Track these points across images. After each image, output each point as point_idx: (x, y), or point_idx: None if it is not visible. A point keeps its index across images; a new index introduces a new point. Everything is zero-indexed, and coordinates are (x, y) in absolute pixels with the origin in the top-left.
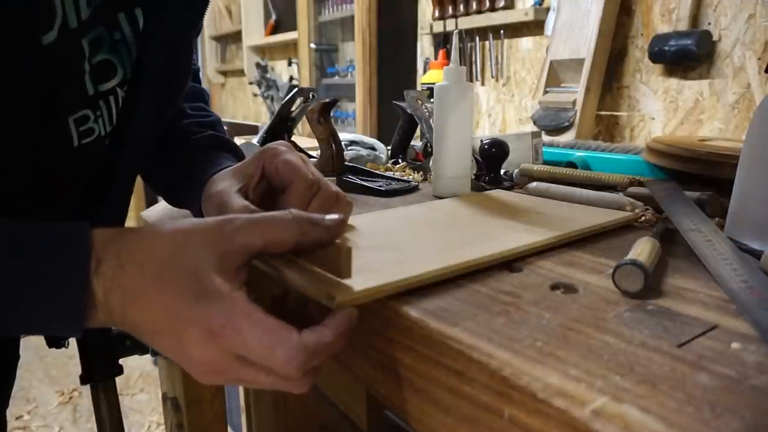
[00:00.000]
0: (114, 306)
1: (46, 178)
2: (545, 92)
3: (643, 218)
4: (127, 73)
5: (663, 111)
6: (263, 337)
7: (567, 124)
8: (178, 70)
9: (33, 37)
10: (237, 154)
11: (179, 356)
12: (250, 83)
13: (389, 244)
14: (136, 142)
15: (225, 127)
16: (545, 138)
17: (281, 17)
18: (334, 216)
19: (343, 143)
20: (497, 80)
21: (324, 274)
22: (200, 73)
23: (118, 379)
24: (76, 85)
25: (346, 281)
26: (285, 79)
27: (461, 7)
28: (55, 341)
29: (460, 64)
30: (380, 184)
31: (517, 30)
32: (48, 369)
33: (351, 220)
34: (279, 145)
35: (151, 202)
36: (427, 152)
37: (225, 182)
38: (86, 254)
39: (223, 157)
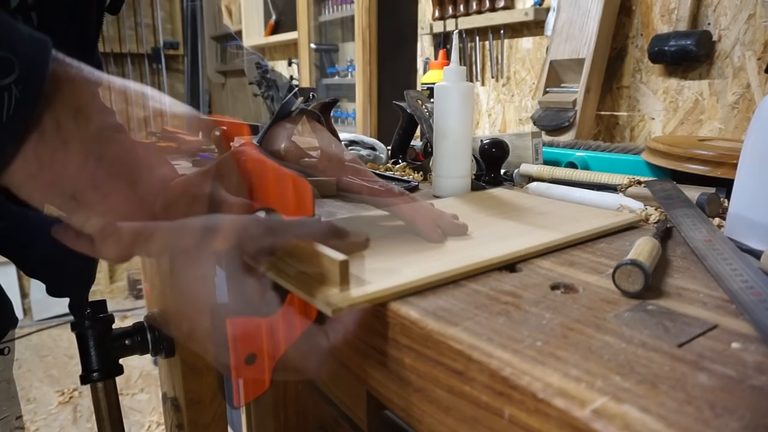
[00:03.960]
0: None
1: None
2: (545, 92)
3: (649, 219)
4: None
5: (663, 111)
6: (299, 342)
7: (567, 124)
8: None
9: None
10: None
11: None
12: (250, 83)
13: (389, 245)
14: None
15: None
16: (545, 138)
17: (281, 17)
18: (361, 235)
19: (343, 143)
20: (497, 80)
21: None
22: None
23: (118, 379)
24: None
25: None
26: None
27: (461, 7)
28: None
29: (460, 64)
30: (380, 184)
31: (517, 30)
32: (48, 369)
33: (352, 219)
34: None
35: None
36: (427, 152)
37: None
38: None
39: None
